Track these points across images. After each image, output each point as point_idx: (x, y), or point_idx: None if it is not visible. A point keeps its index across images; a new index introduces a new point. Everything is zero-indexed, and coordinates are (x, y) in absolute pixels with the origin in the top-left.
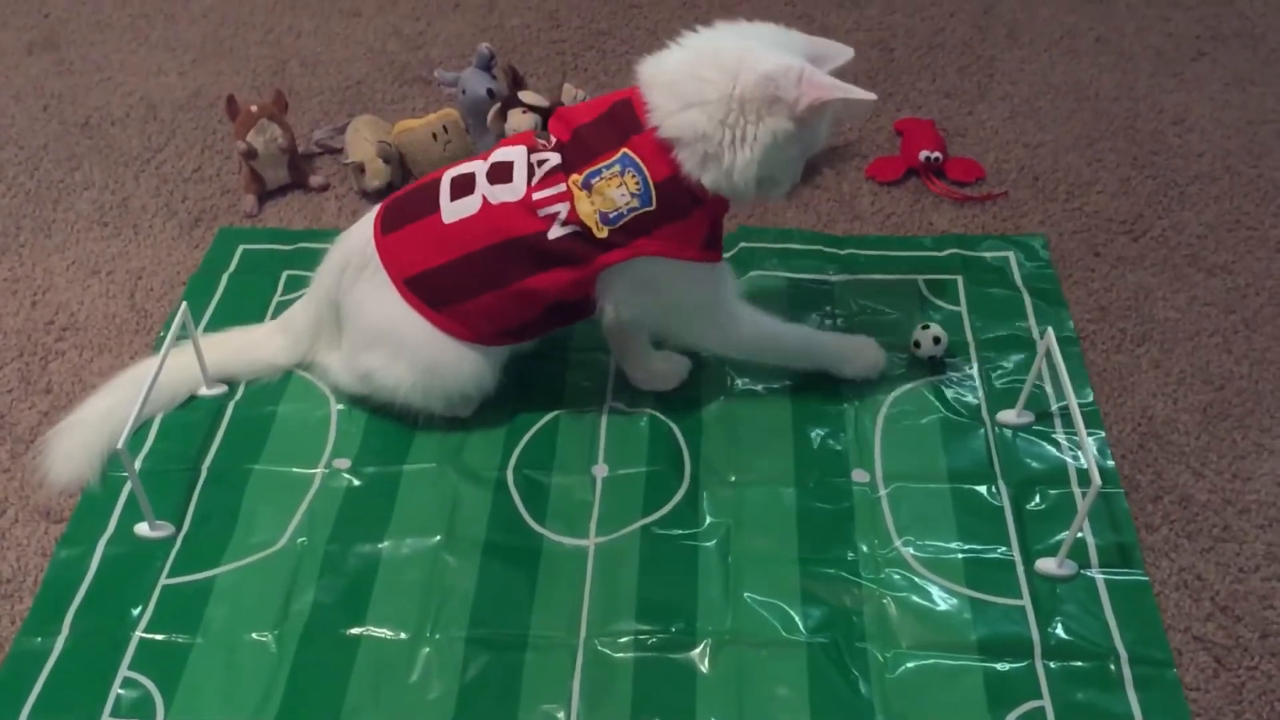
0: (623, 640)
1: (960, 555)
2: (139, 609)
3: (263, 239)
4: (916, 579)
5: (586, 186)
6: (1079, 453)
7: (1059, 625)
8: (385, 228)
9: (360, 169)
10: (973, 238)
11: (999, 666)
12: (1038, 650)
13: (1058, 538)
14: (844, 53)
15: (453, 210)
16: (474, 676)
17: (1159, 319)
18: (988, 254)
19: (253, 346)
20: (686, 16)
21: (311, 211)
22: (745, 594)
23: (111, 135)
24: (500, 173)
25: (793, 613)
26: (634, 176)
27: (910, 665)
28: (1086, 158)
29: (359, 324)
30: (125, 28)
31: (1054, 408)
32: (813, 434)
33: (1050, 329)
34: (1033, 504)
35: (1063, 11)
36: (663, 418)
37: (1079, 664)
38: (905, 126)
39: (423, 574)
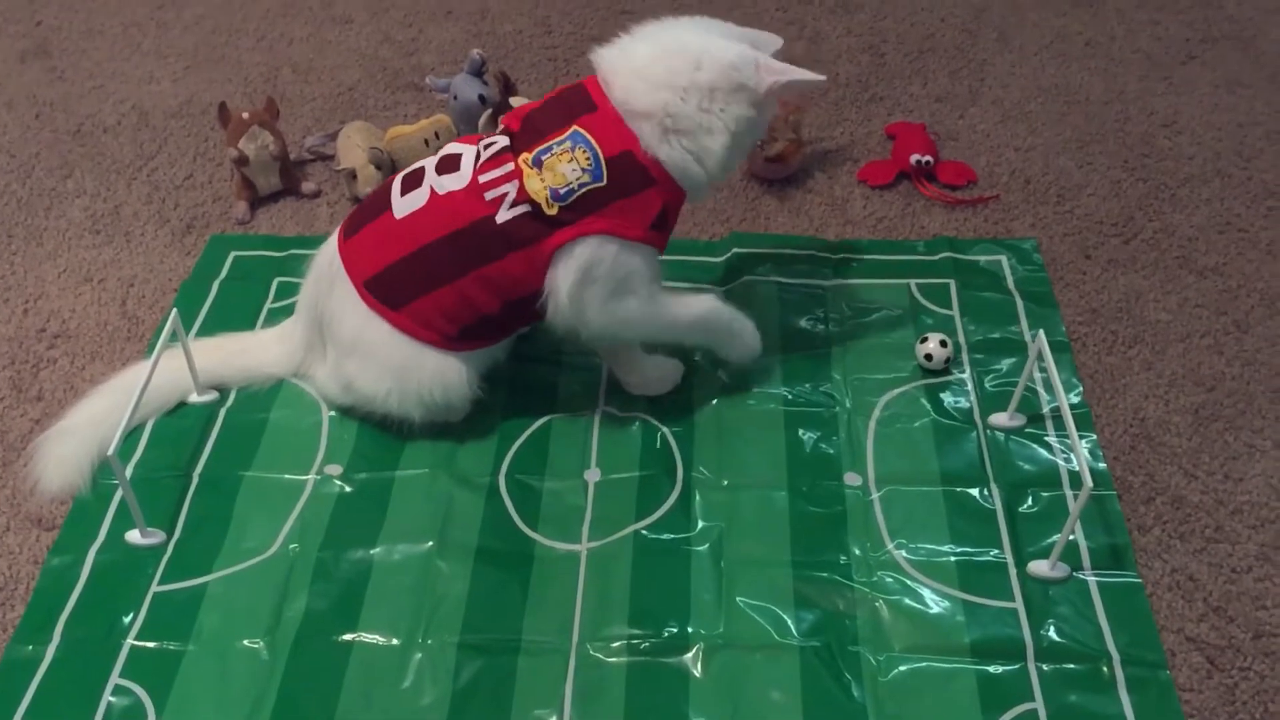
0: (615, 645)
1: (953, 558)
2: (130, 616)
3: (255, 246)
4: (909, 582)
5: (537, 164)
6: (1071, 455)
7: (1051, 627)
8: (346, 233)
9: (352, 175)
10: (965, 241)
11: (992, 669)
12: (1030, 652)
13: (1050, 540)
14: (774, 41)
15: (403, 205)
16: (466, 682)
17: (1150, 321)
18: (980, 257)
19: (247, 354)
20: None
21: (303, 218)
22: (738, 598)
23: (103, 143)
24: (448, 164)
25: (785, 616)
26: (585, 152)
27: (903, 668)
28: (1077, 160)
29: (336, 333)
30: (117, 35)
31: (1046, 410)
32: (805, 437)
33: (1042, 332)
34: (1025, 506)
35: (1052, 15)
36: (655, 422)
37: (1072, 666)
38: (896, 130)
39: (415, 580)
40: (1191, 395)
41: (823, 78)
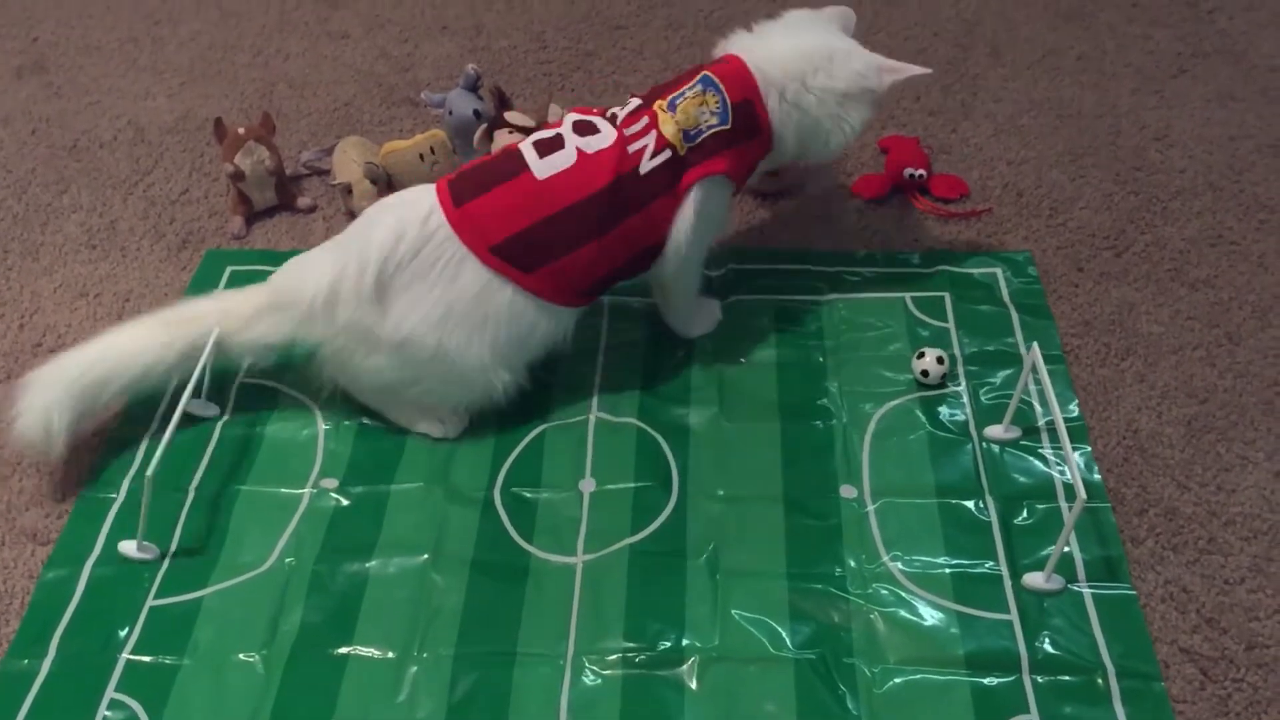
0: (611, 658)
1: (948, 570)
2: (126, 630)
3: (250, 260)
4: (904, 594)
5: (672, 108)
6: (1065, 467)
7: (1046, 639)
8: (458, 200)
9: (348, 190)
10: (960, 254)
11: (987, 681)
12: (1025, 664)
13: (1045, 552)
14: (850, 16)
15: (544, 167)
16: (462, 695)
17: (1143, 333)
18: (975, 270)
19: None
20: (672, 37)
21: (299, 233)
22: (733, 610)
23: (99, 158)
24: (586, 128)
25: (780, 629)
26: (714, 96)
27: (898, 680)
28: (1070, 174)
29: (427, 301)
30: (113, 51)
31: (1041, 422)
32: (800, 449)
33: (1036, 344)
34: (1020, 519)
35: (1044, 30)
36: (650, 431)
37: (1066, 678)
38: (890, 144)
39: (410, 593)
40: (1184, 407)
41: (930, 70)
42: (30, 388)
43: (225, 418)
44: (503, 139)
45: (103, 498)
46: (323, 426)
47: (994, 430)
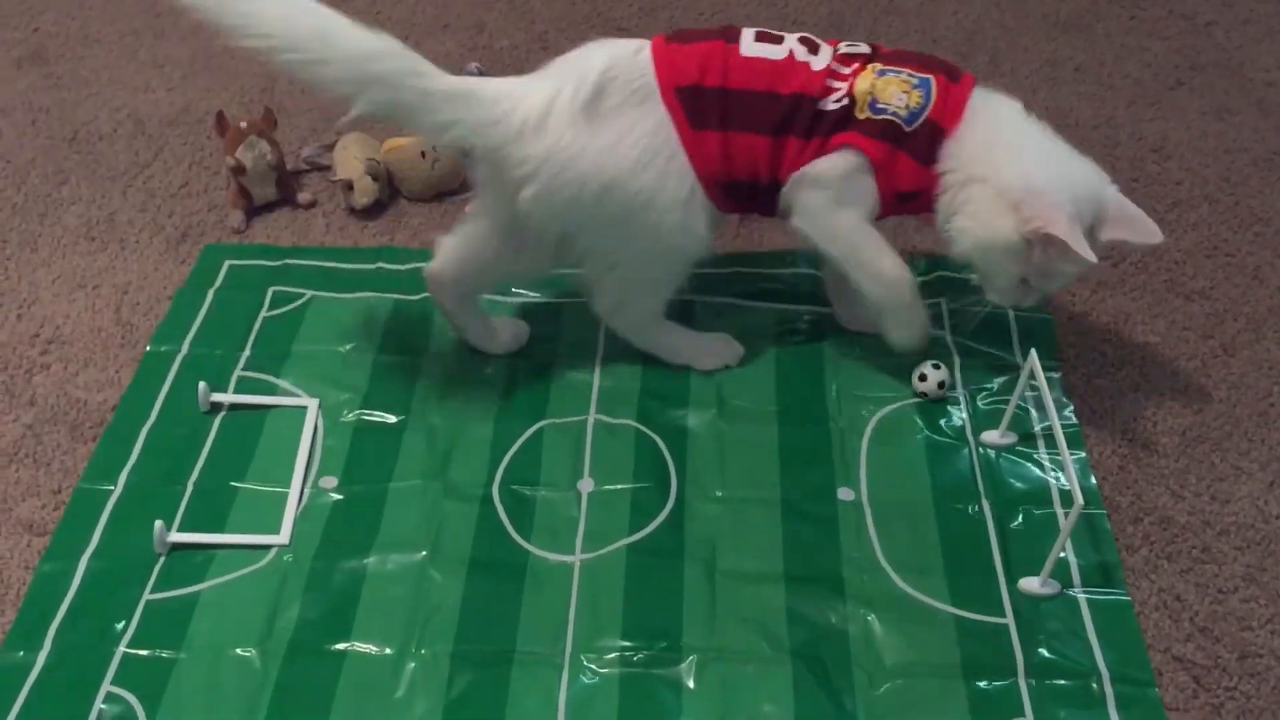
0: (609, 656)
1: (944, 573)
2: (122, 624)
3: (250, 255)
4: (901, 597)
5: (881, 73)
6: (1061, 473)
7: (1042, 644)
8: (669, 39)
9: (348, 186)
10: (957, 261)
11: (982, 684)
12: (1021, 668)
13: (1041, 557)
14: (1152, 234)
15: (753, 48)
16: (459, 693)
17: (1138, 343)
18: (972, 276)
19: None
20: None
21: (299, 228)
22: (731, 611)
23: (99, 150)
24: (810, 45)
25: (778, 630)
26: (919, 97)
27: (895, 683)
28: None
29: (617, 135)
30: (114, 43)
31: (1037, 429)
32: (798, 452)
33: (1034, 351)
34: (1016, 523)
35: (1043, 40)
36: (648, 432)
37: (1062, 682)
38: None
39: (408, 590)
40: (1179, 417)
41: (1094, 258)
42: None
43: (224, 415)
44: None
45: (100, 490)
46: (321, 423)
47: (990, 436)
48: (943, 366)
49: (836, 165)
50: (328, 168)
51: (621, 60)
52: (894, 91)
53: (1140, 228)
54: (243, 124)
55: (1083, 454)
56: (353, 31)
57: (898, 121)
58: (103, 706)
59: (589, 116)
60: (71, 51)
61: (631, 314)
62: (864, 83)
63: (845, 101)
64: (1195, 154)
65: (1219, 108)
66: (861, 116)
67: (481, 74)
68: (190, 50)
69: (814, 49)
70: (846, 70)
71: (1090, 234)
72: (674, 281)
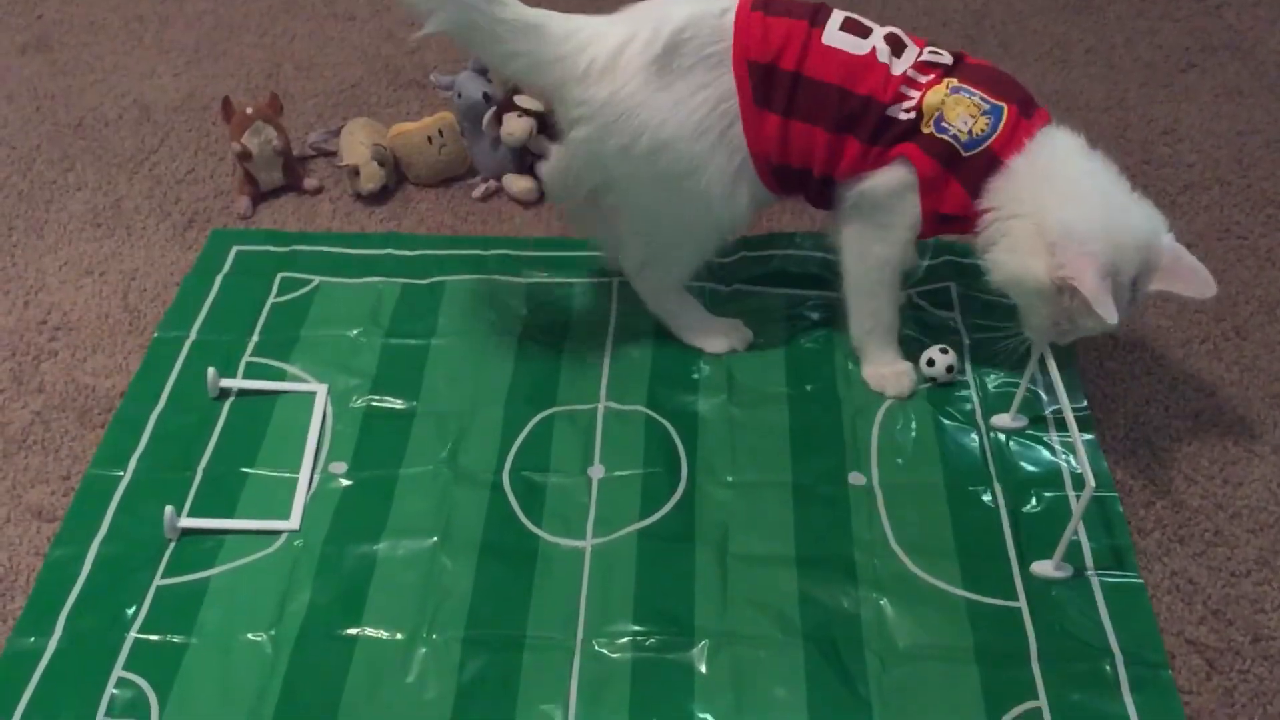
0: (621, 641)
1: (956, 557)
2: (133, 609)
3: (257, 240)
4: (913, 581)
5: (954, 91)
6: (1072, 456)
7: (1055, 627)
8: (754, 7)
9: (355, 172)
10: (966, 245)
11: (995, 667)
12: (1034, 651)
13: (1053, 540)
14: (1206, 288)
15: (835, 37)
16: (471, 677)
17: (1150, 326)
18: (980, 260)
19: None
20: None
21: (305, 214)
22: (743, 595)
23: (105, 136)
24: (897, 45)
25: (790, 614)
26: (986, 124)
27: (907, 666)
28: None
29: (669, 96)
30: (118, 30)
31: (1047, 412)
32: (809, 437)
33: None
34: (1028, 507)
35: (1053, 23)
36: (658, 418)
37: (1075, 665)
38: None
39: (419, 575)
40: (1191, 400)
41: (1115, 321)
42: None
43: (232, 400)
44: (512, 122)
45: (110, 475)
46: (330, 408)
47: (1001, 419)
48: (950, 351)
49: (888, 182)
50: (334, 153)
51: (703, 20)
52: (961, 113)
53: (1193, 281)
54: (248, 109)
55: (1092, 436)
56: None
57: (956, 146)
58: (114, 692)
59: (658, 71)
60: (76, 38)
61: (655, 277)
62: (935, 97)
63: (913, 115)
64: (1207, 136)
65: (1231, 90)
66: (925, 131)
67: None
68: (195, 36)
69: (899, 50)
70: (923, 79)
71: (1135, 284)
72: (704, 253)
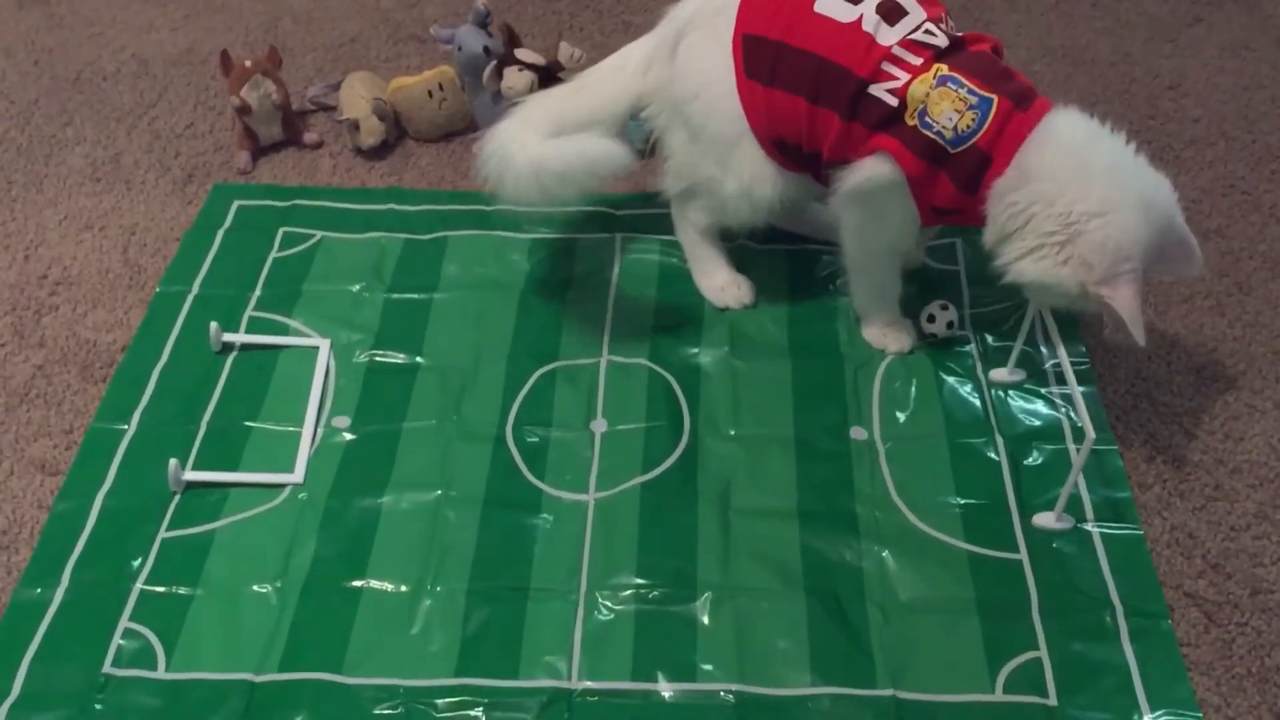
0: (624, 594)
1: (958, 510)
2: (139, 561)
3: (258, 195)
4: (915, 533)
5: (941, 81)
6: (1073, 409)
7: (1055, 578)
8: None
9: (355, 126)
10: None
11: (997, 619)
12: (1035, 603)
13: (1053, 493)
14: (1194, 266)
15: (828, 6)
16: (476, 628)
17: (1153, 282)
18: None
19: (588, 90)
20: None
21: (305, 168)
22: (745, 548)
23: (103, 90)
24: (893, 14)
25: (792, 566)
26: (973, 119)
27: (909, 618)
28: None
29: (685, 70)
30: None
31: (1047, 365)
32: (811, 390)
33: None
34: (1029, 459)
35: None
36: (660, 371)
37: (1075, 616)
38: None
39: (423, 528)
40: (1193, 355)
41: (1142, 341)
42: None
43: (235, 354)
44: (513, 76)
45: (114, 429)
46: (333, 363)
47: (999, 373)
48: (950, 306)
49: (875, 177)
50: (333, 108)
51: (710, 3)
52: (946, 109)
53: (1185, 259)
54: (247, 63)
55: (1093, 389)
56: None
57: (941, 143)
58: (121, 642)
59: (671, 54)
60: None
61: (686, 212)
62: (920, 87)
63: (896, 102)
64: (1212, 91)
65: (1237, 44)
66: (910, 123)
67: (488, 12)
68: None
69: (893, 18)
70: (912, 60)
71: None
72: (722, 215)
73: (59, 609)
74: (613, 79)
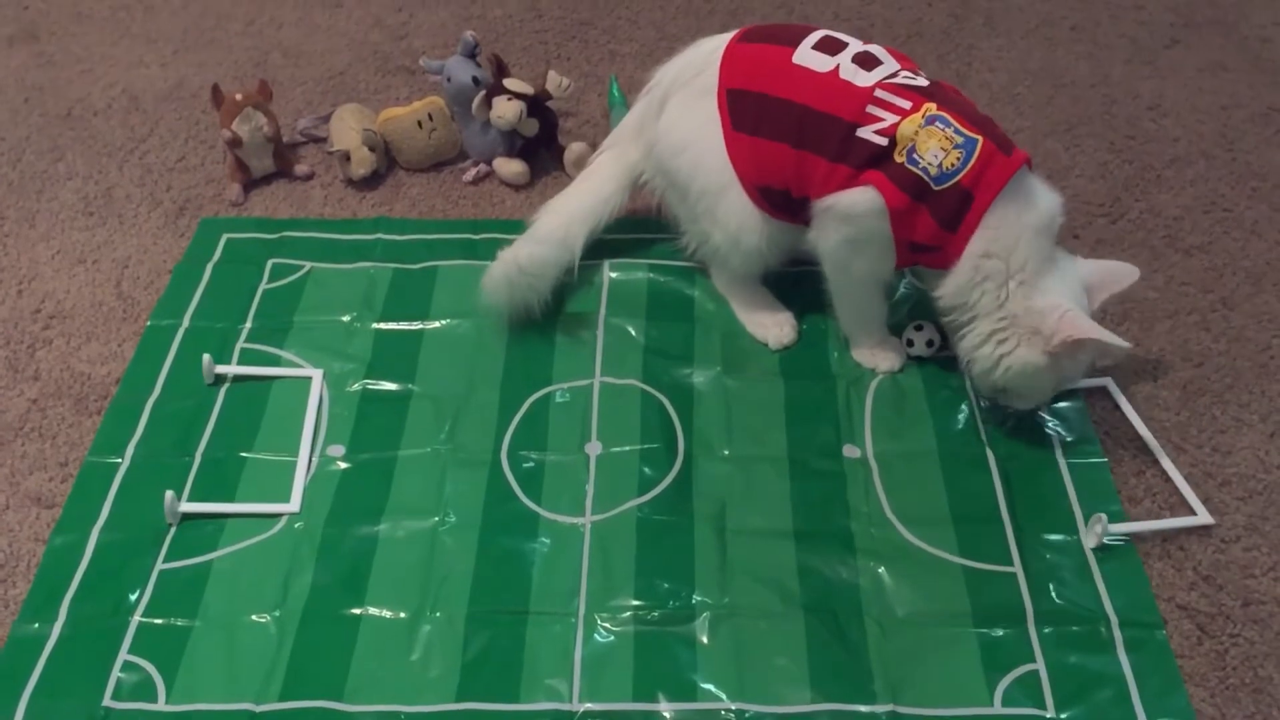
0: (623, 615)
1: (952, 524)
2: (137, 594)
3: (247, 228)
4: (910, 549)
5: (929, 120)
6: (1061, 423)
7: (1051, 590)
8: (743, 38)
9: (345, 157)
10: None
11: (993, 632)
12: (1030, 615)
13: (1046, 505)
14: (1129, 274)
15: (806, 56)
16: (476, 653)
17: (1138, 298)
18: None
19: (588, 190)
20: (667, 7)
21: (297, 200)
22: (742, 568)
23: (94, 126)
24: (867, 61)
25: (789, 585)
26: (958, 158)
27: (907, 633)
28: (1065, 143)
29: (674, 123)
30: (105, 19)
31: None
32: (803, 409)
33: None
34: (1022, 473)
35: (1037, 0)
36: (653, 392)
37: (1071, 628)
38: None
39: (421, 555)
40: (1180, 371)
41: (1127, 345)
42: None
43: (228, 385)
44: (502, 106)
45: (108, 463)
46: (326, 393)
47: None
48: (926, 325)
49: (859, 204)
50: (323, 139)
51: (693, 62)
52: (933, 146)
53: (1118, 274)
54: (238, 96)
55: (1081, 404)
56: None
57: (925, 180)
58: (120, 675)
59: (658, 117)
60: (63, 28)
61: (711, 265)
62: (909, 127)
63: (885, 141)
64: (1192, 111)
65: (1215, 64)
66: (898, 160)
67: (476, 43)
68: (182, 24)
69: (869, 65)
70: (900, 103)
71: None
72: (721, 264)
73: (57, 643)
74: (609, 156)
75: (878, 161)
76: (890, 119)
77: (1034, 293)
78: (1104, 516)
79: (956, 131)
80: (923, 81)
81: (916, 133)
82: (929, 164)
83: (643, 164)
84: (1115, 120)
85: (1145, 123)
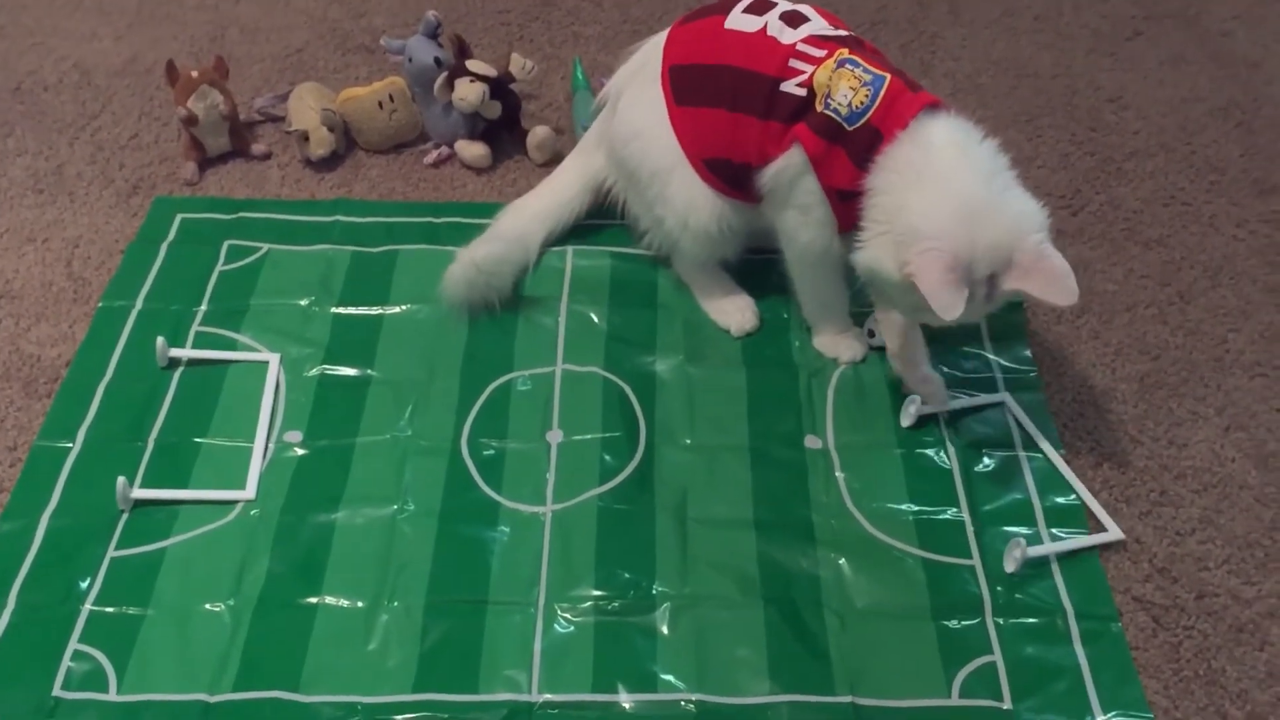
0: (583, 605)
1: (911, 517)
2: (87, 582)
3: (201, 208)
4: (870, 541)
5: (840, 64)
6: (1021, 417)
7: (1007, 583)
8: (684, 20)
9: (304, 137)
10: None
11: (951, 624)
12: (988, 607)
13: (1005, 498)
14: (1065, 297)
15: (736, 20)
16: (434, 643)
17: (1097, 291)
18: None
19: (552, 191)
20: None
21: (254, 180)
22: (703, 558)
23: (44, 101)
24: (795, 19)
25: (750, 575)
26: (867, 95)
27: (866, 625)
28: (1027, 133)
29: (629, 114)
30: None
31: (998, 374)
32: (766, 399)
33: None
34: (980, 466)
35: None
36: (615, 380)
37: (1028, 620)
38: None
39: (379, 543)
40: (1137, 364)
41: (948, 320)
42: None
43: (182, 370)
44: (464, 88)
45: (58, 447)
46: (283, 378)
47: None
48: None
49: (785, 169)
50: (281, 119)
51: (640, 55)
52: (843, 87)
53: (1052, 284)
54: (194, 73)
55: (1040, 396)
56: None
57: (838, 120)
58: (71, 665)
59: (614, 104)
60: (12, 0)
61: (669, 254)
62: (823, 74)
63: (805, 93)
64: (1152, 103)
65: (1176, 58)
66: (818, 109)
67: (439, 23)
68: None
69: (795, 23)
70: (816, 54)
71: (991, 281)
72: (675, 252)
73: (5, 632)
74: (574, 160)
75: (801, 114)
76: (808, 70)
77: (926, 215)
78: (1023, 541)
79: (865, 70)
80: (841, 32)
81: (830, 78)
82: (839, 104)
83: (605, 170)
84: (1077, 111)
85: (1106, 114)
